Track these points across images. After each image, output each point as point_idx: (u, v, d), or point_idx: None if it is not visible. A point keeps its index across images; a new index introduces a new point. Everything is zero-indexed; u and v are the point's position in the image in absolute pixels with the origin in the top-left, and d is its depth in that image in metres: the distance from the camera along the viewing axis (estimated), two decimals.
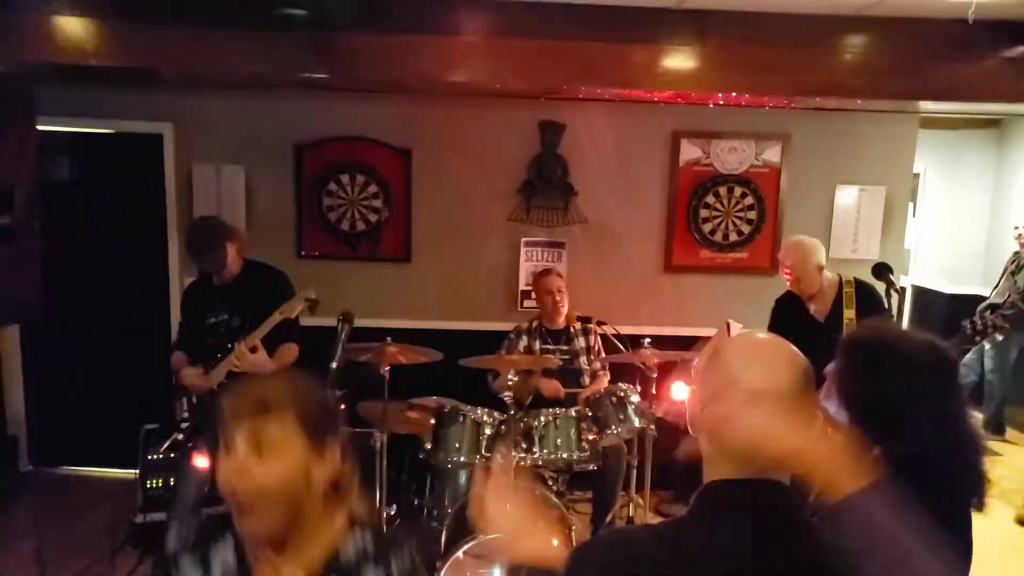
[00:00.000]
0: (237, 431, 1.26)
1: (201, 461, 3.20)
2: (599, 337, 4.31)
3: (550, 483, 3.55)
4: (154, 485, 3.91)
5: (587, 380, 4.19)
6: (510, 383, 3.50)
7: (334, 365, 2.79)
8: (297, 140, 4.61)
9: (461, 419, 3.47)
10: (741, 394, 1.10)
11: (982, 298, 5.82)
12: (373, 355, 3.51)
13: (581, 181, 4.71)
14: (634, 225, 4.80)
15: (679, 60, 3.81)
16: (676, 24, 3.75)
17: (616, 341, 4.09)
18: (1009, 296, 5.45)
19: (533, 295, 4.50)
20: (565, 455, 3.44)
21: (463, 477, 3.64)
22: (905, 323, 5.66)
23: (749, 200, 4.78)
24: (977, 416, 5.77)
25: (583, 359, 4.22)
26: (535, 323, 4.33)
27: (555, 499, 3.28)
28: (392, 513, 3.95)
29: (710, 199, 4.78)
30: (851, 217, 4.86)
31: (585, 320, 4.29)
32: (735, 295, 4.79)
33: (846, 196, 4.84)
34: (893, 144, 4.83)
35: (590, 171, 4.71)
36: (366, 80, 4.10)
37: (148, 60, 3.72)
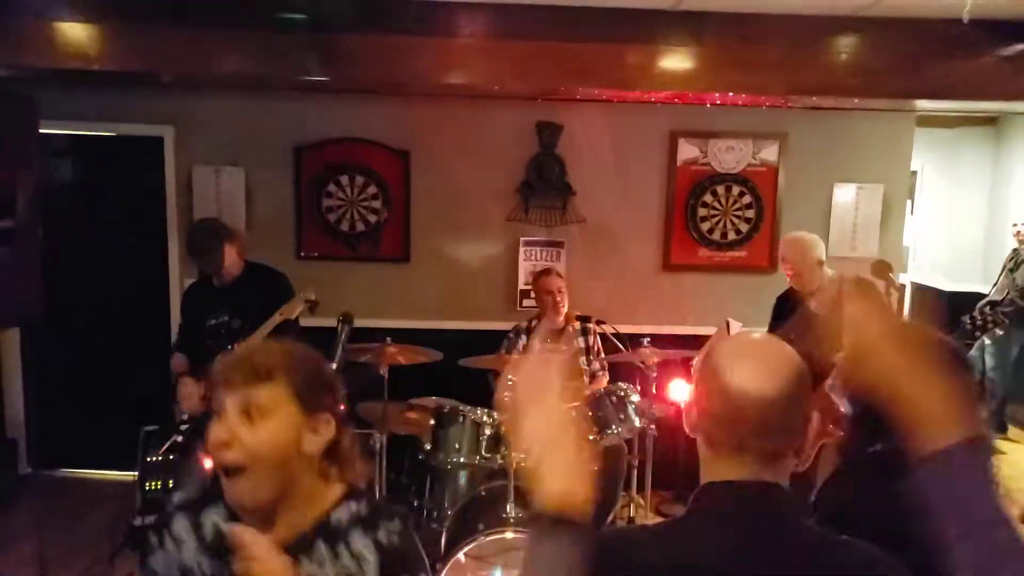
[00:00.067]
0: (228, 397, 1.25)
1: (201, 462, 3.21)
2: (598, 336, 4.32)
3: None
4: (153, 487, 3.89)
5: (586, 381, 4.19)
6: (510, 383, 3.49)
7: (334, 366, 2.81)
8: (296, 142, 4.61)
9: (461, 419, 3.46)
10: (730, 394, 1.08)
11: (981, 295, 5.83)
12: (373, 355, 3.52)
13: (579, 181, 4.72)
14: (632, 224, 4.80)
15: (676, 61, 3.83)
16: (673, 25, 3.76)
17: (615, 340, 4.10)
18: (1008, 293, 5.47)
19: (532, 295, 4.50)
20: None
21: (463, 478, 3.64)
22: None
23: (747, 199, 4.79)
24: None
25: (582, 359, 4.22)
26: (534, 322, 4.33)
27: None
28: None
29: (708, 198, 4.78)
30: (849, 215, 4.86)
31: (584, 319, 4.29)
32: (734, 294, 4.80)
33: (844, 194, 4.84)
34: (890, 142, 4.83)
35: (588, 171, 4.71)
36: (365, 81, 4.11)
37: (148, 63, 3.74)
